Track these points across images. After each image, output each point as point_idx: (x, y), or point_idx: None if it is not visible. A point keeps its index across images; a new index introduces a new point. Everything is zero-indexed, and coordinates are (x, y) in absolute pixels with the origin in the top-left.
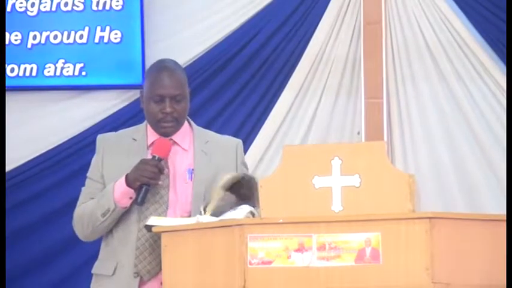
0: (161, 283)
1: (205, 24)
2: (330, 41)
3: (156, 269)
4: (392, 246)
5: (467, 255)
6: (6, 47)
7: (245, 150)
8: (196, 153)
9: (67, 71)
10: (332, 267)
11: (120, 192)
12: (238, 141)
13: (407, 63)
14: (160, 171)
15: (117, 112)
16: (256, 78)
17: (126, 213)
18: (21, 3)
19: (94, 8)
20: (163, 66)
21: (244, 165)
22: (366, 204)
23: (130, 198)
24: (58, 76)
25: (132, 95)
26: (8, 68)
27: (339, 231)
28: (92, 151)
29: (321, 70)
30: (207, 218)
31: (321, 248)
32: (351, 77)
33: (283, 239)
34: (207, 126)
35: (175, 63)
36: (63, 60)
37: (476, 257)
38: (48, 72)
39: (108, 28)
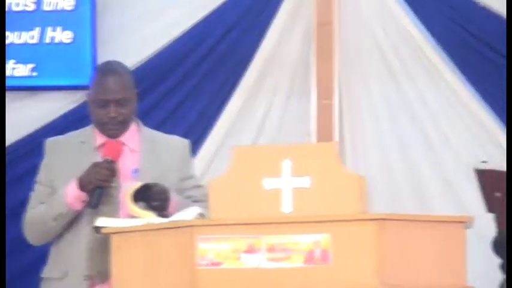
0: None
1: (157, 25)
2: (281, 42)
3: (107, 272)
4: (342, 247)
5: (416, 256)
6: None
7: (196, 151)
8: (142, 153)
9: (18, 72)
10: (281, 268)
11: (73, 196)
12: (186, 142)
13: (359, 64)
14: (113, 173)
15: (66, 113)
16: (208, 79)
17: (76, 216)
18: None
19: (45, 8)
20: (107, 69)
21: (192, 165)
22: (316, 205)
23: (83, 201)
24: (9, 77)
25: (82, 96)
26: None
27: (289, 233)
28: (40, 154)
29: (272, 71)
30: (156, 219)
31: (271, 249)
32: (302, 78)
33: (233, 240)
34: (159, 127)
35: (121, 65)
36: (14, 61)
37: (425, 258)
38: None
39: (59, 28)
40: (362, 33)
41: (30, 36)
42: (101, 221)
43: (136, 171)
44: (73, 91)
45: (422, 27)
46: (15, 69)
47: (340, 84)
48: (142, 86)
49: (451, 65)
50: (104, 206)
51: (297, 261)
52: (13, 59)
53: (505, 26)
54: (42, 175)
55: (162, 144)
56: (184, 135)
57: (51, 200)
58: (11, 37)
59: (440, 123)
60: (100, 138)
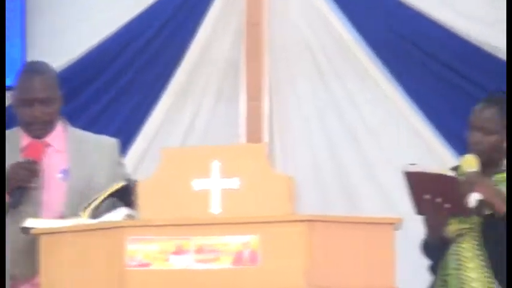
0: (33, 286)
1: (88, 24)
2: (211, 42)
3: (31, 272)
4: (270, 248)
5: (345, 258)
6: None
7: (125, 152)
8: (70, 153)
9: None
10: (210, 269)
11: None
12: (114, 141)
13: (289, 65)
14: (34, 173)
15: None
16: (138, 79)
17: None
18: None
19: None
20: (32, 69)
21: (121, 165)
22: (245, 206)
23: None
24: None
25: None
26: None
27: (218, 234)
28: None
29: (202, 72)
30: (86, 220)
31: (199, 250)
32: (232, 79)
33: (162, 241)
34: (88, 126)
35: (46, 65)
36: None
37: (354, 260)
38: None
39: None
40: (291, 33)
41: None
42: (29, 222)
43: (64, 171)
44: None
45: (351, 27)
46: None
47: (269, 85)
48: (73, 85)
49: (381, 65)
50: (27, 206)
51: (225, 263)
52: None
53: (431, 23)
54: None
55: (90, 144)
56: (114, 135)
57: None
58: None
59: (370, 124)
60: (25, 140)
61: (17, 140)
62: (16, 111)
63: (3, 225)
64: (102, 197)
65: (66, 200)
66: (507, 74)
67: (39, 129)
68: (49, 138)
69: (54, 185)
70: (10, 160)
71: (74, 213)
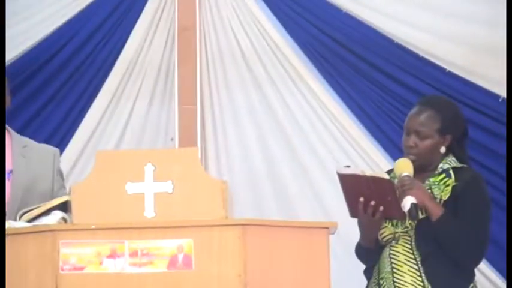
0: None
1: (25, 24)
2: (144, 46)
3: None
4: (205, 252)
5: (280, 262)
6: None
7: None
8: (14, 156)
9: None
10: (145, 273)
11: None
12: (56, 150)
13: (222, 70)
14: None
15: None
16: (71, 82)
17: None
18: None
19: None
20: None
21: (60, 174)
22: (179, 210)
23: None
24: None
25: None
26: None
27: (152, 238)
28: None
29: (135, 75)
30: (19, 224)
31: (134, 254)
32: (164, 83)
33: (96, 245)
34: (22, 128)
35: None
36: None
37: (289, 264)
38: None
39: None
40: (224, 38)
41: None
42: None
43: (10, 172)
44: None
45: (283, 31)
46: None
47: (202, 89)
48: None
49: (313, 69)
50: None
51: (160, 267)
52: None
53: (365, 27)
54: None
55: (34, 152)
56: (48, 138)
57: None
58: None
59: (304, 128)
60: None
61: None
62: None
63: (3, 225)
64: (44, 208)
65: (9, 201)
66: (507, 74)
67: None
68: None
69: None
70: None
71: (11, 216)
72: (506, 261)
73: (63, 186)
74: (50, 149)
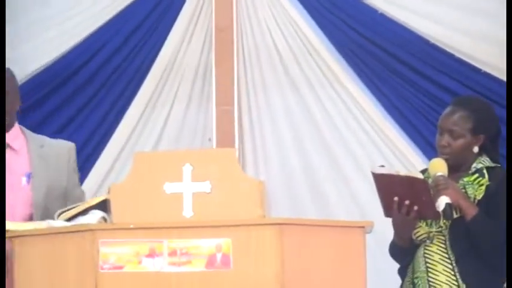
0: None
1: (60, 30)
2: (181, 48)
3: None
4: (242, 252)
5: (317, 261)
6: None
7: (97, 158)
8: (32, 157)
9: None
10: (183, 272)
11: None
12: (71, 145)
13: (259, 70)
14: None
15: None
16: (108, 85)
17: None
18: None
19: None
20: None
21: (75, 170)
22: (217, 210)
23: None
24: None
25: None
26: None
27: (190, 237)
28: None
29: (172, 78)
30: (59, 223)
31: (172, 253)
32: (202, 85)
33: (135, 244)
34: (59, 131)
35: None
36: None
37: (325, 263)
38: None
39: None
40: (261, 38)
41: None
42: (9, 224)
43: (28, 175)
44: None
45: (320, 32)
46: None
47: (239, 90)
48: (42, 92)
49: (350, 70)
50: None
51: (198, 266)
52: None
53: (401, 28)
54: None
55: (51, 151)
56: (85, 141)
57: None
58: None
59: (339, 128)
60: None
61: None
62: None
63: (3, 226)
64: (83, 207)
65: (32, 203)
66: (507, 75)
67: None
68: (8, 139)
69: (17, 188)
70: None
71: (42, 216)
72: (507, 261)
73: (78, 184)
74: (65, 146)
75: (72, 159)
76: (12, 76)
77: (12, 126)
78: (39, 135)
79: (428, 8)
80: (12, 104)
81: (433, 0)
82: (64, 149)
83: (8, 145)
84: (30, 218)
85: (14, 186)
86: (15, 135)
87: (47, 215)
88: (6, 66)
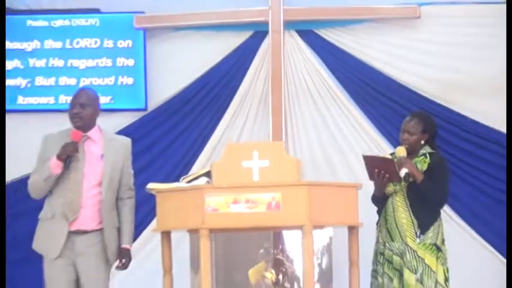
0: (74, 222)
1: (184, 73)
2: (251, 84)
3: (75, 215)
4: (287, 201)
5: (330, 205)
6: None
7: (202, 148)
8: (105, 145)
9: (102, 100)
10: (252, 212)
11: (54, 164)
12: (128, 140)
13: (296, 98)
14: (76, 149)
15: (130, 125)
16: (210, 105)
17: (57, 179)
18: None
19: (118, 64)
20: (83, 89)
21: (129, 156)
22: (272, 176)
23: (61, 167)
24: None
25: (138, 114)
26: None
27: (257, 192)
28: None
29: (247, 101)
30: (182, 184)
31: (248, 201)
32: (263, 106)
33: (225, 196)
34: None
35: (91, 89)
36: (100, 94)
37: (335, 206)
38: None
39: (126, 77)
40: (297, 80)
41: (109, 80)
42: (150, 184)
43: (102, 155)
44: (132, 112)
45: (333, 77)
46: (100, 99)
47: (285, 109)
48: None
49: (352, 101)
50: (75, 173)
51: (261, 208)
52: (100, 93)
53: (379, 75)
54: (40, 155)
55: (115, 141)
56: (196, 139)
57: (43, 169)
58: (104, 81)
59: (343, 131)
60: (72, 130)
61: (68, 132)
62: (68, 111)
63: (3, 225)
64: (197, 174)
65: (103, 173)
66: (507, 76)
67: (76, 122)
68: (89, 133)
69: (94, 163)
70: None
71: (108, 181)
72: (507, 261)
73: (130, 165)
74: (125, 140)
75: (128, 150)
76: (95, 95)
77: (93, 126)
78: (109, 132)
79: (409, 66)
80: (91, 115)
81: (418, 62)
82: (123, 142)
83: (90, 137)
84: (101, 182)
85: (94, 162)
86: (95, 131)
87: (111, 180)
88: (90, 88)
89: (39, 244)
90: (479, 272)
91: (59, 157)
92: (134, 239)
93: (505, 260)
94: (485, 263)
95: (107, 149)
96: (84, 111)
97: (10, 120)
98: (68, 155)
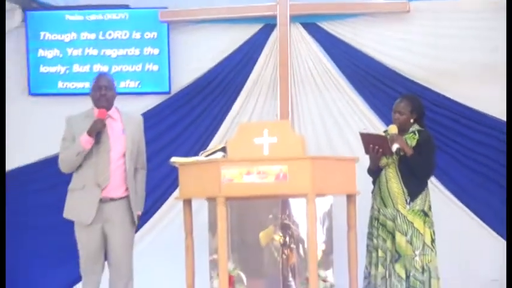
0: (104, 190)
1: (207, 58)
2: (261, 72)
3: (107, 182)
4: (293, 172)
5: (331, 175)
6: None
7: (219, 126)
8: (124, 122)
9: (130, 85)
10: (264, 182)
11: (85, 140)
12: (141, 117)
13: (302, 85)
14: (104, 125)
15: (154, 107)
16: (226, 89)
17: (88, 153)
18: None
19: (145, 53)
20: (104, 74)
21: (142, 131)
22: (281, 151)
23: (91, 143)
24: (126, 87)
25: (161, 97)
26: None
27: (267, 164)
28: None
29: (257, 87)
30: (201, 158)
31: (259, 172)
32: (272, 90)
33: (239, 168)
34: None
35: (108, 75)
36: (129, 80)
37: (336, 176)
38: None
39: (152, 63)
40: (302, 69)
41: (137, 67)
42: (174, 158)
43: (123, 131)
44: (158, 95)
45: (334, 65)
46: (129, 84)
47: (291, 93)
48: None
49: (350, 85)
50: (102, 147)
51: (270, 179)
52: (129, 79)
53: (374, 62)
54: (66, 134)
55: (131, 119)
56: (218, 121)
57: (74, 145)
58: (133, 68)
59: (343, 114)
60: (96, 110)
61: (90, 112)
62: (92, 94)
63: (3, 225)
64: (214, 149)
65: (126, 146)
66: (507, 75)
67: (102, 102)
68: (110, 112)
69: (118, 137)
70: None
71: (129, 153)
72: (506, 261)
73: (143, 140)
74: (138, 117)
75: (141, 126)
76: (112, 79)
77: (111, 107)
78: (126, 111)
79: (399, 54)
80: (113, 96)
81: (405, 48)
82: (138, 119)
83: (110, 116)
84: (124, 154)
85: (117, 136)
86: (113, 112)
87: (131, 152)
88: (107, 73)
89: (71, 211)
90: (462, 234)
91: (89, 133)
92: (159, 206)
93: (484, 224)
94: (466, 227)
95: (126, 126)
96: (108, 92)
97: (52, 102)
98: (98, 131)
